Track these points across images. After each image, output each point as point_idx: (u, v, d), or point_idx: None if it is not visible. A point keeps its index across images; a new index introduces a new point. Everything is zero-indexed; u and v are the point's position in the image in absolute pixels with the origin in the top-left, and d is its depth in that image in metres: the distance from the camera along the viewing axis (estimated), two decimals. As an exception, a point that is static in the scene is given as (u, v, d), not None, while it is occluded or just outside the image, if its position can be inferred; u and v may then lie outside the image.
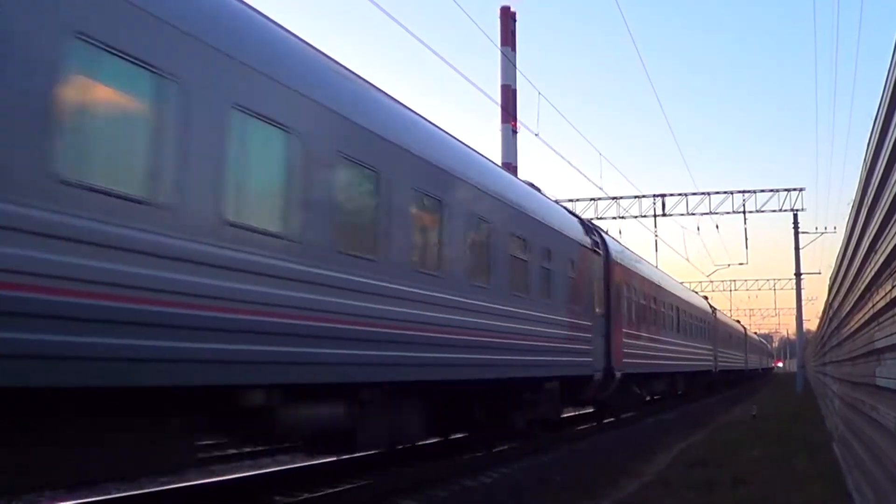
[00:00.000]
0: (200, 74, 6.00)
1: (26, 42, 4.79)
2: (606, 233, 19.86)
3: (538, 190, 14.76)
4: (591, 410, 20.43)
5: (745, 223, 39.09)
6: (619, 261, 18.76)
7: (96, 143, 5.34)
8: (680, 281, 31.92)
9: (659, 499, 8.86)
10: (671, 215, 38.06)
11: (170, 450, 6.26)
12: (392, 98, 9.40)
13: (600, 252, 17.22)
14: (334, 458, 11.48)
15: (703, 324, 32.47)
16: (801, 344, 46.35)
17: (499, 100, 28.09)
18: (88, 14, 5.16)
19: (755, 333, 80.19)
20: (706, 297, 39.35)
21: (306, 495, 9.11)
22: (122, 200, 5.28)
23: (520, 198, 12.54)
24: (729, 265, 49.93)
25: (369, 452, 12.73)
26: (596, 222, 33.43)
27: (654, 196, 38.30)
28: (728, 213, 37.67)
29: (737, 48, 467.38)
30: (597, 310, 16.17)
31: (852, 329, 8.89)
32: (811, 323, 57.38)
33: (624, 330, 18.31)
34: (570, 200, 36.71)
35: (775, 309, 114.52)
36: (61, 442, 5.38)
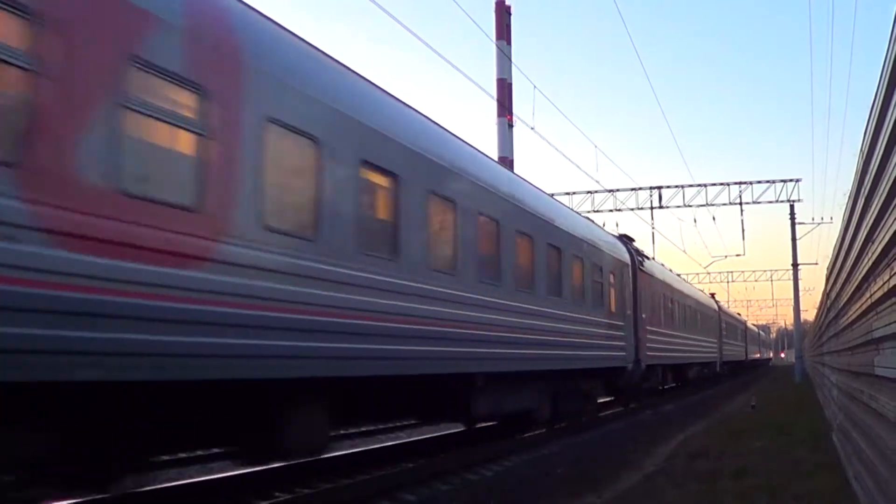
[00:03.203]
0: None
1: None
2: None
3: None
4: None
5: (741, 214, 39.28)
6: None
7: None
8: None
9: (662, 490, 8.89)
10: (668, 207, 38.18)
11: None
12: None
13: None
14: (334, 454, 11.50)
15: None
16: (798, 334, 46.44)
17: (494, 94, 28.07)
18: None
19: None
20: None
21: (307, 490, 9.13)
22: None
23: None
24: (726, 256, 50.17)
25: (368, 448, 12.77)
26: (592, 215, 33.53)
27: (651, 188, 38.43)
28: (725, 204, 37.79)
29: (732, 40, 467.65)
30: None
31: (850, 319, 8.91)
32: (808, 314, 57.61)
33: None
34: (567, 194, 36.79)
35: (773, 300, 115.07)
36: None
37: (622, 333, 17.94)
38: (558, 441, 14.36)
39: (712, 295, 43.27)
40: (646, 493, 8.88)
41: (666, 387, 28.32)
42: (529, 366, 12.38)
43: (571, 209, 17.42)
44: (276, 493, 8.92)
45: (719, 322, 39.14)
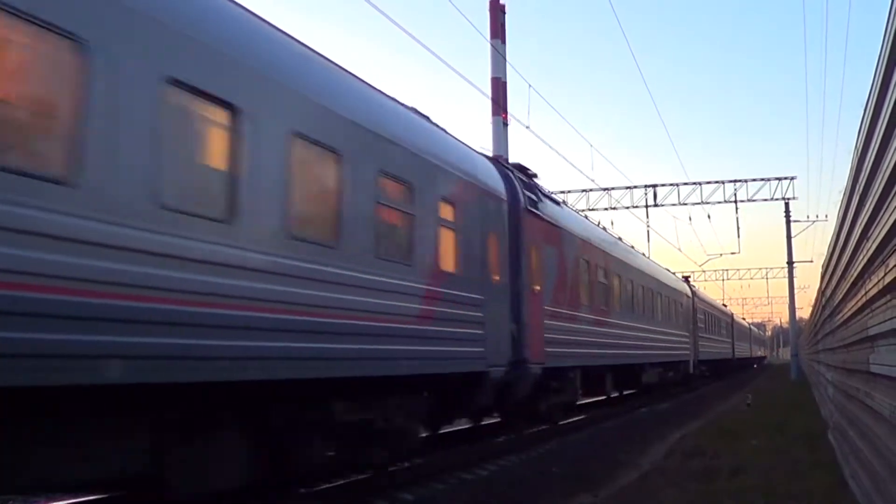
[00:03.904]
0: None
1: None
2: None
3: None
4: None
5: (736, 212, 39.24)
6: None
7: None
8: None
9: (659, 489, 8.88)
10: (663, 206, 38.14)
11: None
12: None
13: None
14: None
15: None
16: (794, 332, 46.52)
17: (489, 93, 28.04)
18: None
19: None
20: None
21: (304, 490, 9.10)
22: None
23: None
24: (721, 255, 50.10)
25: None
26: (588, 213, 33.26)
27: (646, 187, 38.36)
28: (720, 202, 37.76)
29: (727, 38, 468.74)
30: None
31: (845, 316, 8.92)
32: (804, 311, 57.66)
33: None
34: (562, 192, 36.77)
35: (768, 298, 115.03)
36: None
37: (479, 314, 10.70)
38: (554, 440, 14.35)
39: (686, 279, 35.69)
40: (642, 492, 8.87)
41: (610, 396, 21.23)
42: (91, 376, 5.24)
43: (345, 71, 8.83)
44: (272, 493, 8.88)
45: (692, 311, 32.21)
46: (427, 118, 10.80)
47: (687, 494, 8.49)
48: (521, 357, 12.01)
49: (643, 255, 25.56)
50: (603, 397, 21.17)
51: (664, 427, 16.69)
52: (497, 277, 11.51)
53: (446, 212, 10.17)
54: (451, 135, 11.37)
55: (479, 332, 10.73)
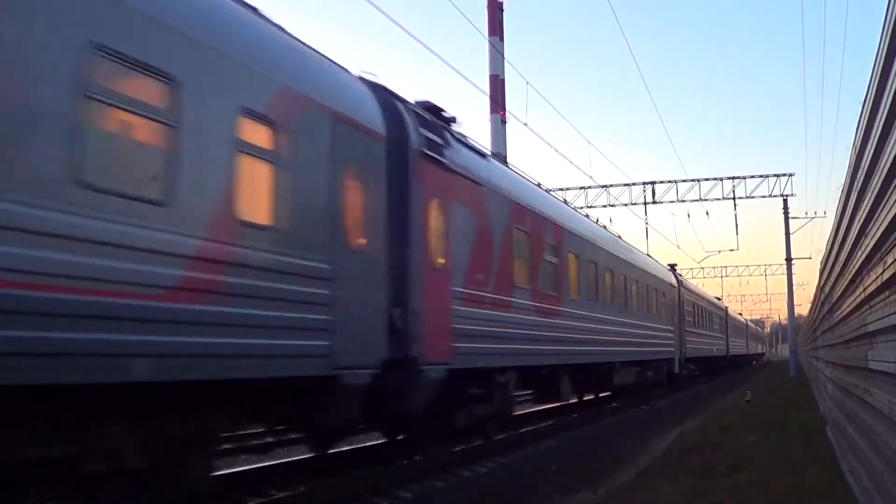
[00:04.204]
0: None
1: None
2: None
3: None
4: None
5: (735, 209, 39.28)
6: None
7: None
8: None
9: (657, 485, 8.88)
10: (661, 203, 38.22)
11: None
12: None
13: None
14: (329, 451, 11.35)
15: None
16: (793, 328, 46.59)
17: (487, 90, 28.03)
18: None
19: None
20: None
21: (302, 488, 9.10)
22: None
23: None
24: (720, 252, 50.10)
25: (363, 445, 12.74)
26: (586, 211, 33.01)
27: (644, 184, 38.42)
28: (718, 199, 37.85)
29: (725, 35, 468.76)
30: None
31: (844, 313, 8.92)
32: (802, 308, 57.73)
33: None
34: (561, 189, 36.78)
35: (766, 294, 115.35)
36: None
37: (323, 292, 7.51)
38: (552, 437, 14.35)
39: (672, 267, 31.00)
40: (641, 489, 8.87)
41: (568, 402, 17.60)
42: None
43: None
44: (272, 492, 8.89)
45: (678, 303, 28.42)
46: (255, 9, 7.49)
47: (685, 491, 8.49)
48: (406, 355, 8.97)
49: (618, 237, 22.02)
50: (567, 402, 17.84)
51: (662, 425, 16.70)
52: (362, 241, 8.37)
53: (256, 134, 6.85)
54: (289, 33, 7.98)
55: (322, 317, 7.52)
